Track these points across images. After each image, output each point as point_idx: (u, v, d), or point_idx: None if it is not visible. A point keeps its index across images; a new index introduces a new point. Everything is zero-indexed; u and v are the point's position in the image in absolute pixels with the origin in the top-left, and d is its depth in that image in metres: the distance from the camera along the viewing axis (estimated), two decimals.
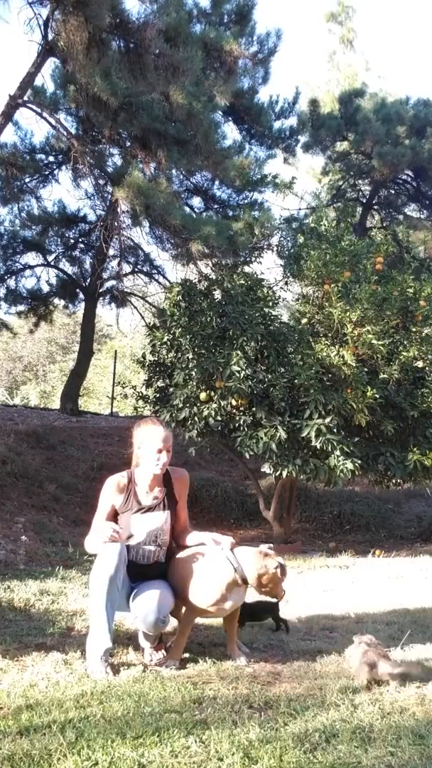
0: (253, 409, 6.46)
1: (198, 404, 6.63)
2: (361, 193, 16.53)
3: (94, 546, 2.93)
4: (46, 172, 12.20)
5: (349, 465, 6.07)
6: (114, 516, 3.10)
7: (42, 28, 7.45)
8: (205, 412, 6.53)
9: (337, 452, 6.08)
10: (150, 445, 3.00)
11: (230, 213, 12.00)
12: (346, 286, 6.83)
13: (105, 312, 25.58)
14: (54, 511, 7.60)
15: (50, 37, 7.39)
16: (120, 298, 14.26)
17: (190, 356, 6.65)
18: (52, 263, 13.55)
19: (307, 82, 18.61)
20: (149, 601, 2.89)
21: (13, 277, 13.31)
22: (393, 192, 16.38)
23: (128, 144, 10.07)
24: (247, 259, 10.42)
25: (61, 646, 3.18)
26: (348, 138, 15.07)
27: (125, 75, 7.28)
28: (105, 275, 13.05)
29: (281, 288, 7.90)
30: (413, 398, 6.55)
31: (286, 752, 2.07)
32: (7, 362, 25.70)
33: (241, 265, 10.00)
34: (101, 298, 13.89)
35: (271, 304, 7.10)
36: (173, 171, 11.39)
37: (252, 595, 3.25)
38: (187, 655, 3.07)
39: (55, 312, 14.96)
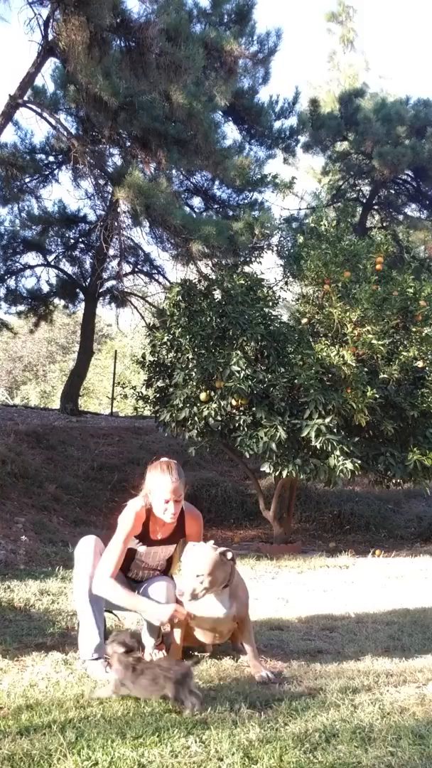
0: (253, 409, 6.46)
1: (198, 404, 6.63)
2: (361, 193, 16.53)
3: (123, 599, 2.81)
4: (46, 172, 12.20)
5: (349, 465, 6.07)
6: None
7: (42, 28, 7.45)
8: (205, 412, 6.53)
9: (337, 452, 6.08)
10: (158, 495, 2.87)
11: (230, 213, 12.01)
12: (346, 286, 6.82)
13: (105, 312, 25.55)
14: (54, 511, 7.60)
15: (50, 37, 7.39)
16: (120, 298, 14.26)
17: (190, 356, 6.65)
18: (52, 263, 13.56)
19: (307, 82, 18.63)
20: (158, 591, 2.91)
21: (13, 277, 13.31)
22: (393, 192, 16.38)
23: (128, 144, 10.07)
24: (247, 259, 10.42)
25: (61, 646, 3.18)
26: (348, 138, 15.07)
27: (126, 74, 7.30)
28: (105, 275, 13.06)
29: (281, 288, 7.90)
30: (413, 398, 6.55)
31: (286, 752, 2.07)
32: (7, 362, 25.70)
33: (241, 265, 9.99)
34: (101, 298, 13.89)
35: (271, 304, 7.10)
36: (173, 171, 11.39)
37: None
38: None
39: (55, 312, 14.96)
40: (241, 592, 2.95)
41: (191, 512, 3.07)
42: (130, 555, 2.96)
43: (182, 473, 2.94)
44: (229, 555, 2.82)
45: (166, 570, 3.12)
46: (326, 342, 6.54)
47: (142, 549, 2.99)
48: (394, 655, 3.19)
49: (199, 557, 2.75)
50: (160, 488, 2.86)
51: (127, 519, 2.88)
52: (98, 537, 2.98)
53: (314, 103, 14.42)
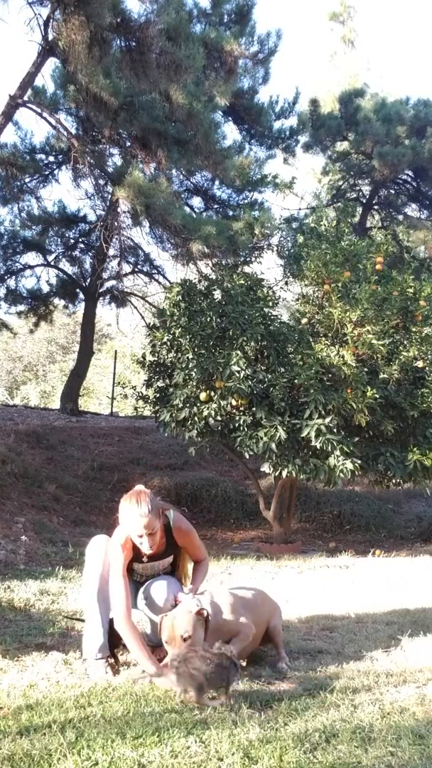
0: (253, 409, 6.46)
1: (198, 404, 6.63)
2: (361, 193, 16.53)
3: (137, 654, 2.75)
4: (46, 172, 12.21)
5: (349, 465, 6.07)
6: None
7: (42, 28, 7.46)
8: (205, 412, 6.53)
9: (337, 452, 6.08)
10: (131, 529, 2.83)
11: (230, 213, 12.01)
12: (346, 286, 6.82)
13: (105, 312, 25.57)
14: (54, 511, 7.60)
15: (50, 37, 7.40)
16: (120, 298, 14.26)
17: (190, 356, 6.65)
18: (52, 263, 13.56)
19: (308, 82, 18.64)
20: (160, 586, 2.92)
21: (13, 277, 13.32)
22: (393, 192, 16.39)
23: (128, 144, 10.08)
24: (247, 259, 10.43)
25: (61, 646, 3.18)
26: (348, 138, 15.07)
27: (127, 74, 7.30)
28: (105, 275, 13.06)
29: (281, 288, 7.91)
30: (413, 398, 6.55)
31: (286, 752, 2.07)
32: (7, 362, 25.71)
33: (241, 265, 10.01)
34: (101, 298, 13.89)
35: (271, 304, 7.10)
36: (173, 171, 11.40)
37: None
38: None
39: (55, 312, 14.96)
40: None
41: (180, 528, 3.01)
42: (128, 568, 2.96)
43: (155, 504, 2.84)
44: (204, 613, 2.74)
45: (171, 573, 3.12)
46: (326, 342, 6.54)
47: (138, 566, 3.00)
48: (394, 655, 3.19)
49: (180, 619, 2.68)
50: (132, 523, 2.81)
51: (116, 554, 2.86)
52: (108, 536, 2.97)
53: (314, 103, 14.42)
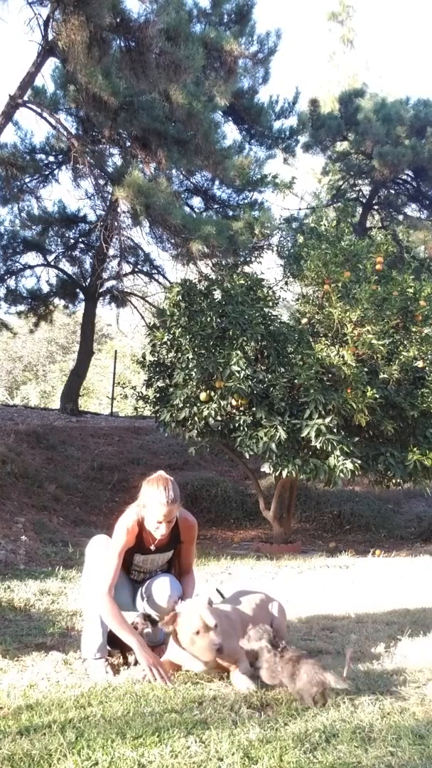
0: (253, 409, 6.46)
1: (198, 404, 6.63)
2: (361, 193, 16.53)
3: (117, 627, 2.76)
4: (46, 172, 12.22)
5: (349, 465, 6.07)
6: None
7: (42, 28, 7.46)
8: (205, 412, 6.53)
9: (337, 452, 6.08)
10: (152, 514, 2.85)
11: (230, 213, 12.02)
12: (346, 286, 6.82)
13: (105, 312, 25.64)
14: (54, 511, 7.60)
15: (50, 37, 7.40)
16: (120, 298, 14.27)
17: (190, 356, 6.65)
18: (52, 263, 13.57)
19: (307, 82, 18.65)
20: (162, 583, 2.93)
21: (13, 277, 13.32)
22: (393, 192, 16.40)
23: (128, 144, 10.08)
24: (247, 259, 10.43)
25: (61, 646, 3.18)
26: (348, 138, 15.08)
27: (126, 74, 7.30)
28: (105, 275, 13.06)
29: (281, 288, 7.90)
30: (413, 398, 6.55)
31: (286, 752, 2.07)
32: (7, 362, 25.71)
33: (241, 265, 10.01)
34: (101, 298, 13.90)
35: (271, 304, 7.10)
36: (173, 171, 11.40)
37: None
38: None
39: (55, 312, 14.97)
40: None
41: (186, 520, 3.04)
42: (127, 560, 2.97)
43: (178, 493, 2.87)
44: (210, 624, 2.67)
45: (167, 571, 3.12)
46: (326, 342, 6.54)
47: (138, 558, 3.00)
48: (394, 655, 3.19)
49: (201, 612, 2.64)
50: (154, 508, 2.83)
51: (120, 534, 2.88)
52: (108, 537, 2.98)
53: (314, 103, 14.43)
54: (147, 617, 2.92)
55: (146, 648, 2.73)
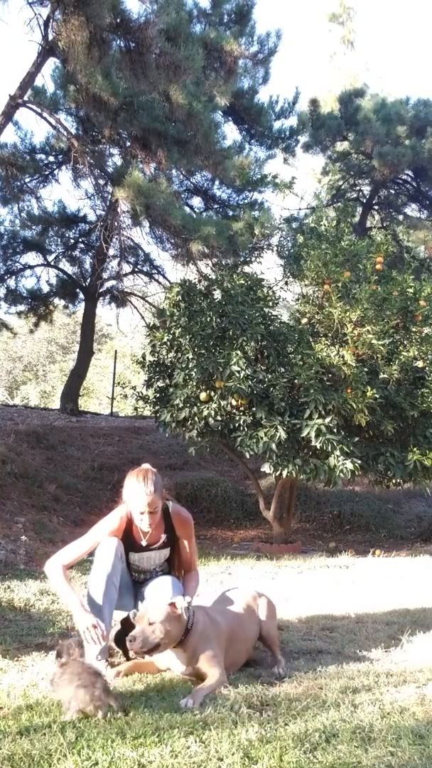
0: (253, 409, 6.46)
1: (198, 404, 6.63)
2: (361, 193, 16.53)
3: (60, 589, 2.86)
4: (46, 172, 12.21)
5: (349, 465, 6.07)
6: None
7: (42, 28, 7.46)
8: (205, 412, 6.53)
9: (337, 452, 6.08)
10: (133, 506, 2.88)
11: (230, 213, 12.01)
12: (346, 286, 6.82)
13: (105, 312, 25.60)
14: (54, 511, 7.60)
15: (50, 37, 7.40)
16: (120, 298, 14.26)
17: (190, 356, 6.65)
18: (52, 263, 13.56)
19: (307, 82, 18.67)
20: (161, 583, 2.93)
21: (13, 277, 13.32)
22: (393, 192, 16.39)
23: (128, 144, 10.07)
24: (247, 259, 10.42)
25: None
26: (348, 138, 15.08)
27: (126, 74, 7.30)
28: (105, 275, 13.06)
29: (281, 288, 7.90)
30: (413, 398, 6.55)
31: (286, 752, 2.07)
32: (7, 362, 25.70)
33: (241, 265, 10.00)
34: (101, 298, 13.89)
35: (271, 304, 7.10)
36: (173, 171, 11.39)
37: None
38: None
39: (55, 312, 14.96)
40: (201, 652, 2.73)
41: (179, 515, 3.04)
42: (125, 560, 2.97)
43: (159, 483, 2.88)
44: (179, 608, 2.67)
45: (168, 571, 3.11)
46: (326, 342, 6.54)
47: (134, 557, 3.00)
48: (394, 655, 3.19)
49: (154, 605, 2.70)
50: (134, 499, 2.85)
51: (110, 517, 2.93)
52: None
53: (314, 103, 14.42)
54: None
55: (83, 611, 2.72)
